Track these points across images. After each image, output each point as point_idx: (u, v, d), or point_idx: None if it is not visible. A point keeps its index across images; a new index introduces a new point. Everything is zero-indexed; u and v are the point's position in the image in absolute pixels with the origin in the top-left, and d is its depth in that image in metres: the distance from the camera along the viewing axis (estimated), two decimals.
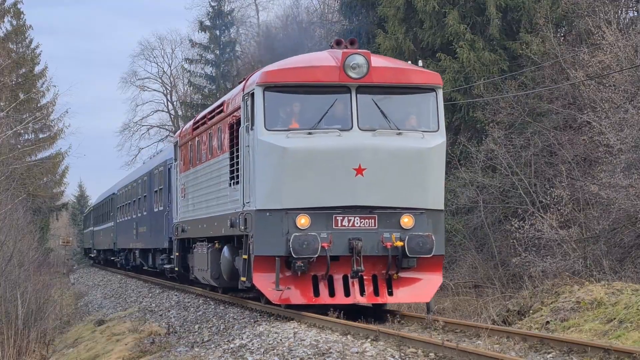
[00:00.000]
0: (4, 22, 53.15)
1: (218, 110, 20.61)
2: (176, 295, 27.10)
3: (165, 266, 29.77)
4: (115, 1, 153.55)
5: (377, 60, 17.15)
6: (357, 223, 16.51)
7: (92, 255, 66.29)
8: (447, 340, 11.69)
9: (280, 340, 14.42)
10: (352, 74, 16.55)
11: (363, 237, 16.34)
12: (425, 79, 17.11)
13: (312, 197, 16.32)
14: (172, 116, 73.23)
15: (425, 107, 17.16)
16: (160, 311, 23.51)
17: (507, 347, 12.56)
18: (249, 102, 17.07)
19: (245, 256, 17.39)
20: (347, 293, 16.44)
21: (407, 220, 16.60)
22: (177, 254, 25.80)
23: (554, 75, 27.38)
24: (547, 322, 15.42)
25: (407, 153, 16.59)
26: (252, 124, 16.75)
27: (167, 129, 73.22)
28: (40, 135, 55.26)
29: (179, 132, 27.07)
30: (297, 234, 16.06)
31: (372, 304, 17.54)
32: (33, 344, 23.63)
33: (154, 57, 75.54)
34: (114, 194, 48.02)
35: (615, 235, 23.05)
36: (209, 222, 20.79)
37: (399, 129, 16.71)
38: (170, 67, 74.60)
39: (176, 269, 26.34)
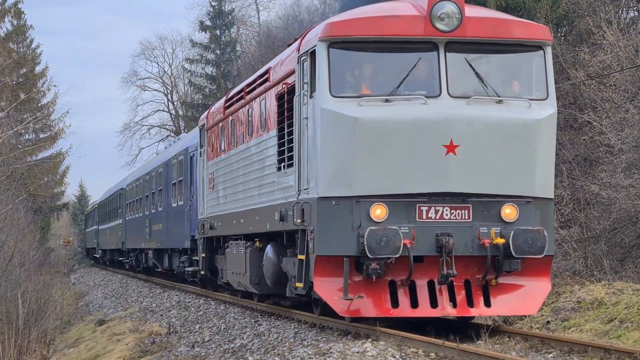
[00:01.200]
0: (4, 22, 53.26)
1: (260, 80, 17.29)
2: (177, 295, 27.10)
3: (187, 269, 26.10)
4: (115, 1, 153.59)
5: (472, 10, 13.88)
6: (446, 214, 13.39)
7: (97, 256, 62.49)
8: (448, 340, 11.69)
9: (281, 340, 14.43)
10: (441, 26, 13.36)
11: (454, 232, 13.26)
12: (532, 34, 13.82)
13: (391, 182, 13.19)
14: (172, 116, 73.23)
15: (532, 69, 13.96)
16: (161, 311, 23.51)
17: (508, 347, 12.55)
18: (307, 64, 14.02)
19: (301, 256, 14.20)
20: (433, 303, 13.33)
21: (509, 212, 13.44)
22: (202, 255, 22.60)
23: (555, 74, 27.37)
24: (548, 322, 15.41)
25: (511, 126, 13.38)
26: (313, 91, 13.74)
27: (167, 129, 73.24)
28: (41, 135, 55.31)
29: (205, 113, 23.30)
30: (372, 227, 12.92)
31: (457, 317, 14.27)
32: (34, 343, 23.63)
33: (155, 57, 75.52)
34: (122, 189, 44.85)
35: (616, 235, 23.06)
36: (248, 216, 17.78)
37: (499, 96, 13.52)
38: (171, 67, 74.61)
39: (202, 272, 22.98)
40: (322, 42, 13.46)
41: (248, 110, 18.06)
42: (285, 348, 13.59)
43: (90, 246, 69.92)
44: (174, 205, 28.74)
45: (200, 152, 22.88)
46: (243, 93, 18.64)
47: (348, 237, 13.17)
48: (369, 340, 13.17)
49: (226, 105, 20.24)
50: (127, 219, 42.00)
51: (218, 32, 61.60)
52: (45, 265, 48.45)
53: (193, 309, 22.13)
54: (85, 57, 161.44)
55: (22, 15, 54.15)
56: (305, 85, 14.05)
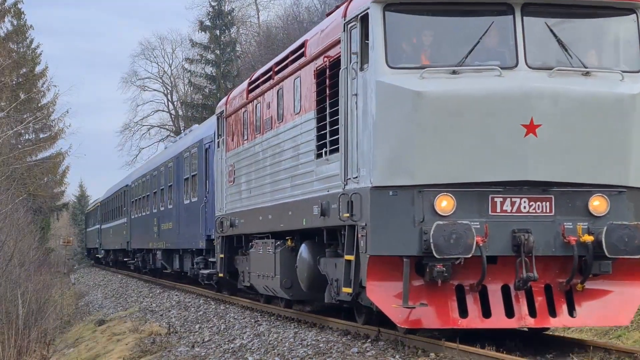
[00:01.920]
0: (4, 22, 53.22)
1: (294, 56, 15.37)
2: (177, 295, 27.11)
3: (202, 271, 23.94)
4: (115, 1, 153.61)
5: None
6: (524, 207, 11.53)
7: (100, 256, 60.07)
8: (448, 340, 11.68)
9: (281, 340, 14.43)
10: None
11: (533, 228, 11.44)
12: None
13: (459, 168, 11.40)
14: (172, 116, 73.27)
15: (622, 36, 12.04)
16: (160, 311, 23.51)
17: (508, 347, 12.54)
18: (356, 31, 12.25)
19: (349, 257, 12.42)
20: (508, 312, 11.58)
21: (598, 204, 11.60)
22: (221, 255, 20.61)
23: None
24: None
25: (601, 103, 11.51)
26: (364, 62, 11.97)
27: (167, 129, 73.28)
28: (41, 135, 55.31)
29: (224, 99, 21.27)
30: (440, 222, 11.14)
31: (529, 328, 12.48)
32: (33, 343, 23.61)
33: (155, 57, 75.58)
34: (127, 186, 42.78)
35: None
36: (278, 211, 15.96)
37: (586, 67, 11.68)
38: (171, 67, 74.67)
39: (220, 274, 21.05)
40: (376, 4, 11.68)
41: (277, 91, 16.11)
42: (285, 348, 13.59)
43: (91, 246, 68.23)
44: (187, 202, 26.78)
45: (218, 142, 20.96)
46: (271, 73, 16.70)
47: (408, 233, 11.32)
48: (369, 340, 13.18)
49: (250, 88, 18.26)
50: (132, 217, 39.98)
51: (218, 32, 61.62)
52: (45, 265, 48.38)
53: (193, 309, 22.13)
54: (85, 57, 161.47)
55: (22, 15, 54.17)
56: (354, 57, 12.23)
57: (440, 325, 11.53)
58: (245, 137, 18.44)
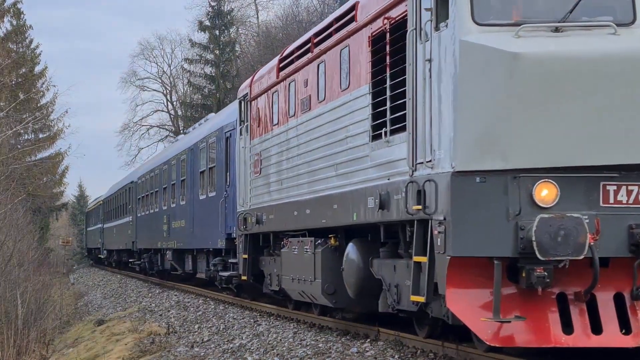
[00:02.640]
0: (3, 22, 53.24)
1: (339, 24, 13.33)
2: (176, 295, 27.11)
3: (221, 274, 21.60)
4: (115, 1, 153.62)
5: None
6: None
7: (102, 257, 57.03)
8: (447, 340, 11.68)
9: (280, 340, 14.43)
10: None
11: None
12: None
13: (564, 149, 9.28)
14: (171, 116, 73.29)
15: None
16: (160, 311, 23.50)
17: (508, 347, 12.53)
18: None
19: (419, 258, 10.36)
20: (624, 327, 9.52)
21: None
22: (244, 256, 18.43)
23: None
24: None
25: None
26: (442, 19, 9.92)
27: (166, 129, 73.32)
28: (40, 135, 55.31)
29: (248, 81, 19.04)
30: (545, 216, 9.14)
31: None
32: (33, 343, 23.61)
33: (154, 57, 75.60)
34: (132, 182, 40.24)
35: None
36: (319, 205, 13.90)
37: None
38: (170, 67, 74.69)
39: (243, 277, 18.69)
40: None
41: (318, 66, 14.00)
42: (284, 348, 13.59)
43: (93, 246, 65.88)
44: (202, 197, 24.48)
45: (241, 129, 18.92)
46: (309, 45, 14.58)
47: (500, 229, 9.28)
48: (368, 340, 13.18)
49: (281, 66, 16.14)
50: (138, 215, 37.58)
51: (217, 32, 61.65)
52: (45, 265, 48.40)
53: (192, 309, 22.13)
54: (85, 57, 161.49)
55: (22, 15, 54.19)
56: (427, 14, 10.15)
57: (539, 344, 9.44)
58: (275, 122, 16.29)
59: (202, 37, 63.11)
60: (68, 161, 57.62)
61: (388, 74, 11.31)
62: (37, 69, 55.61)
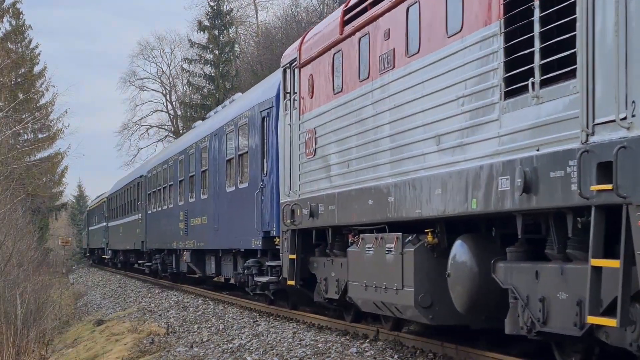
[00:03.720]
0: (3, 22, 53.27)
1: None
2: (175, 295, 27.09)
3: (258, 279, 18.37)
4: (114, 1, 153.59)
5: None
6: None
7: (107, 258, 53.31)
8: (447, 341, 11.67)
9: (280, 340, 14.43)
10: None
11: None
12: None
13: None
14: (171, 116, 73.34)
15: None
16: (159, 311, 23.49)
17: (508, 347, 12.54)
18: None
19: (605, 262, 7.48)
20: None
21: None
22: (292, 256, 15.47)
23: None
24: None
25: None
26: None
27: (166, 129, 73.38)
28: (40, 135, 55.37)
29: (296, 44, 16.01)
30: None
31: None
32: (32, 344, 23.61)
33: (153, 57, 75.81)
34: (141, 177, 36.68)
35: None
36: (412, 190, 10.88)
37: None
38: (170, 67, 74.79)
39: (290, 282, 15.59)
40: None
41: (407, 10, 11.18)
42: (283, 348, 13.59)
43: (96, 246, 62.34)
44: (230, 189, 21.15)
45: (285, 104, 16.00)
46: None
47: None
48: (368, 340, 13.17)
49: (346, 19, 13.33)
50: (149, 212, 34.09)
51: (216, 32, 61.67)
52: (44, 265, 48.42)
53: (192, 309, 22.12)
54: (84, 58, 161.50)
55: (21, 16, 54.22)
56: None
57: None
58: (338, 89, 13.42)
59: (202, 37, 63.19)
60: (67, 161, 57.79)
61: (537, 3, 8.40)
62: (37, 69, 55.70)
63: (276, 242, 17.10)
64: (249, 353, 13.83)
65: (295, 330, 15.32)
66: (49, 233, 68.07)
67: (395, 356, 11.71)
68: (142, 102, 77.02)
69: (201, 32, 62.78)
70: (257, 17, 65.01)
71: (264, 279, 17.84)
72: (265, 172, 18.28)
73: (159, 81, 75.01)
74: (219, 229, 22.33)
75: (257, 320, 17.53)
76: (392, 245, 11.39)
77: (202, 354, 14.78)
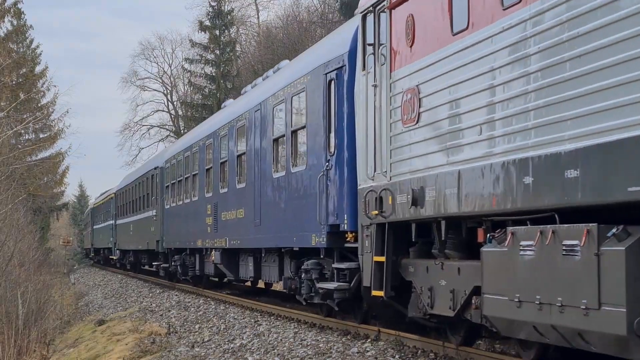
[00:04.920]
0: (4, 22, 53.32)
1: None
2: (176, 295, 27.09)
3: (321, 285, 14.64)
4: (115, 2, 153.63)
5: None
6: None
7: (114, 258, 49.42)
8: (448, 341, 11.68)
9: (281, 340, 14.44)
10: None
11: None
12: None
13: None
14: (172, 116, 73.39)
15: None
16: (160, 311, 23.50)
17: (508, 347, 12.55)
18: None
19: None
20: None
21: None
22: (379, 258, 12.14)
23: None
24: None
25: None
26: None
27: (167, 129, 73.41)
28: (41, 135, 55.44)
29: None
30: None
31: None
32: (33, 343, 23.62)
33: (154, 57, 75.84)
34: (156, 168, 32.67)
35: None
36: (622, 158, 7.26)
37: None
38: (171, 67, 74.86)
39: (377, 292, 12.20)
40: None
41: None
42: (285, 348, 13.60)
43: (101, 246, 58.03)
44: (279, 174, 17.36)
45: (365, 61, 12.65)
46: None
47: None
48: (369, 340, 13.18)
49: None
50: (166, 207, 30.19)
51: (217, 32, 61.69)
52: (45, 265, 48.44)
53: (193, 309, 22.13)
54: (85, 58, 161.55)
55: (22, 16, 54.28)
56: None
57: None
58: (460, 27, 9.94)
59: (203, 37, 63.24)
60: (68, 161, 57.87)
61: None
62: (38, 69, 55.79)
63: (348, 239, 13.68)
64: (250, 353, 13.84)
65: (297, 330, 15.32)
66: (50, 233, 68.11)
67: (397, 356, 11.72)
68: (143, 102, 77.44)
69: (202, 32, 62.83)
70: (258, 17, 65.09)
71: (330, 286, 14.20)
72: (331, 150, 14.53)
73: (160, 81, 75.12)
74: (261, 224, 18.58)
75: (258, 320, 17.53)
76: (578, 243, 7.85)
77: (203, 354, 14.78)
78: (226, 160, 21.93)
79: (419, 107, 10.95)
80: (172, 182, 29.52)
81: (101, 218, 57.02)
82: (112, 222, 48.67)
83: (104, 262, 58.73)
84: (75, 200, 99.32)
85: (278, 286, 18.52)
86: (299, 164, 16.34)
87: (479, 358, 10.77)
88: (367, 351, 12.24)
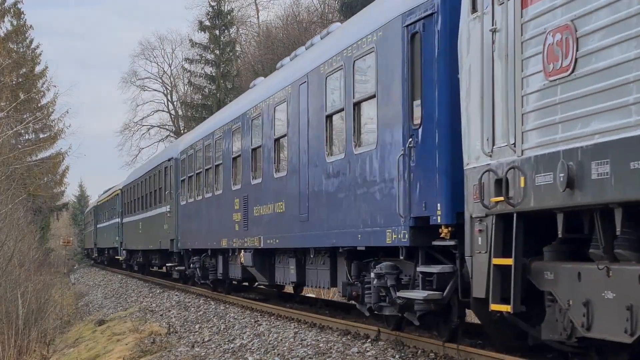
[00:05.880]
0: (4, 22, 53.35)
1: None
2: (177, 295, 27.08)
3: (404, 294, 11.64)
4: (115, 2, 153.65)
5: None
6: None
7: (121, 259, 46.06)
8: (448, 341, 11.68)
9: (281, 340, 14.44)
10: None
11: None
12: None
13: None
14: (172, 116, 73.40)
15: None
16: (160, 311, 23.50)
17: (508, 347, 12.55)
18: None
19: None
20: None
21: None
22: (503, 261, 9.19)
23: None
24: None
25: None
26: None
27: (167, 129, 73.44)
28: (41, 135, 55.49)
29: None
30: None
31: None
32: (33, 343, 23.63)
33: (154, 57, 75.87)
34: (170, 159, 29.31)
35: None
36: None
37: None
38: (171, 67, 74.89)
39: (503, 307, 9.15)
40: None
41: None
42: (285, 348, 13.60)
43: (105, 246, 55.32)
44: (335, 157, 14.20)
45: (475, 2, 9.89)
46: None
47: None
48: (369, 340, 13.18)
49: None
50: (182, 203, 27.22)
51: (217, 32, 61.70)
52: (45, 265, 48.45)
53: (193, 309, 22.13)
54: (85, 58, 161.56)
55: (22, 15, 54.32)
56: None
57: None
58: None
59: (203, 37, 63.25)
60: (68, 161, 57.93)
61: None
62: (38, 69, 55.85)
63: (442, 235, 10.86)
64: (250, 353, 13.84)
65: (297, 330, 15.32)
66: (50, 233, 68.13)
67: (397, 356, 11.71)
68: (143, 102, 77.46)
69: (202, 32, 62.85)
70: (258, 17, 65.11)
71: (416, 295, 11.19)
72: (416, 122, 11.49)
73: (160, 81, 75.14)
74: (309, 219, 15.43)
75: (258, 320, 17.53)
76: None
77: (203, 353, 14.79)
78: (260, 146, 18.55)
79: (576, 50, 8.00)
80: (189, 174, 26.29)
81: (105, 216, 54.07)
82: (118, 220, 45.77)
83: (109, 263, 56.17)
84: (75, 200, 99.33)
85: (329, 293, 14.15)
86: (365, 144, 13.16)
87: (479, 358, 10.77)
88: (367, 351, 12.24)
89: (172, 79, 74.22)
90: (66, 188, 64.25)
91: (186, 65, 65.71)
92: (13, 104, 43.77)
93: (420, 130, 11.35)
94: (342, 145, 14.06)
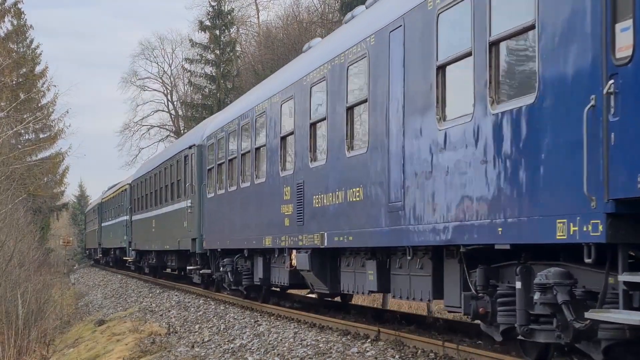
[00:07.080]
0: (4, 21, 53.35)
1: None
2: (176, 295, 27.07)
3: (604, 317, 7.56)
4: (115, 2, 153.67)
5: None
6: None
7: (129, 259, 42.61)
8: (448, 340, 11.68)
9: (281, 340, 14.43)
10: None
11: None
12: None
13: None
14: (172, 116, 73.39)
15: None
16: (160, 311, 23.49)
17: (508, 347, 12.55)
18: None
19: None
20: None
21: None
22: None
23: None
24: None
25: None
26: None
27: (167, 129, 73.42)
28: (41, 135, 55.49)
29: None
30: None
31: None
32: (33, 343, 23.63)
33: (155, 57, 75.86)
34: (192, 147, 25.62)
35: None
36: None
37: None
38: (171, 67, 74.88)
39: None
40: None
41: None
42: (285, 348, 13.59)
43: (111, 246, 51.31)
44: (453, 123, 10.29)
45: None
46: None
47: None
48: (369, 340, 13.17)
49: None
50: (208, 196, 23.30)
51: (217, 32, 61.68)
52: (45, 265, 48.44)
53: (193, 309, 22.12)
54: (85, 58, 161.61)
55: (22, 15, 54.32)
56: None
57: None
58: None
59: (203, 37, 63.23)
60: (68, 161, 57.91)
61: None
62: (38, 69, 55.84)
63: None
64: (250, 353, 13.83)
65: (297, 330, 15.31)
66: (50, 233, 68.12)
67: (397, 356, 11.70)
68: (143, 102, 77.42)
69: (202, 32, 62.83)
70: (258, 17, 65.10)
71: (623, 318, 7.44)
72: (622, 54, 7.47)
73: (160, 81, 75.14)
74: (404, 207, 11.59)
75: (258, 320, 17.52)
76: None
77: (203, 354, 14.78)
78: (323, 119, 14.72)
79: None
80: (219, 162, 22.17)
81: (111, 214, 49.73)
82: (126, 217, 41.62)
83: (115, 264, 51.70)
84: (75, 200, 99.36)
85: (451, 308, 11.02)
86: (513, 96, 9.16)
87: (479, 358, 10.77)
88: (367, 351, 12.23)
89: (172, 79, 74.27)
90: (66, 188, 64.29)
91: (186, 65, 65.75)
92: (13, 104, 43.79)
93: (630, 67, 7.35)
94: (466, 103, 9.92)
